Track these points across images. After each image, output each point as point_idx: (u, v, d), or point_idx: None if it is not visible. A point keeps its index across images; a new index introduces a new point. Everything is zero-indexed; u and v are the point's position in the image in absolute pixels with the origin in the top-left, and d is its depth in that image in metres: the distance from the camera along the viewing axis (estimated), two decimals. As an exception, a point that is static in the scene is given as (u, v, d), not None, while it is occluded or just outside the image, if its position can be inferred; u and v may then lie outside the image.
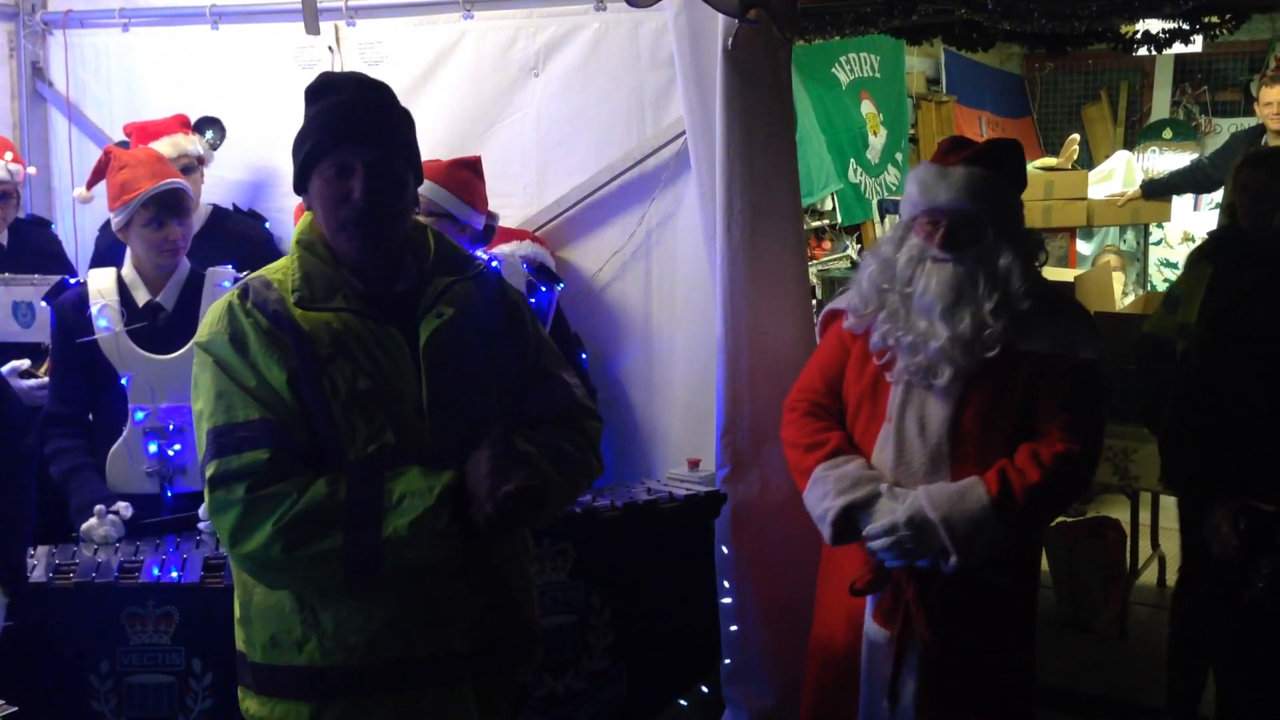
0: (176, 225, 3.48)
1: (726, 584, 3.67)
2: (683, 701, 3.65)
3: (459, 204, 3.69)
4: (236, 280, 3.59)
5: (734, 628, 3.68)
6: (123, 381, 3.43)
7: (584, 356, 4.11)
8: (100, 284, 3.51)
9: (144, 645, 2.92)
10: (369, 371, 2.11)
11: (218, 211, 4.39)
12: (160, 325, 3.47)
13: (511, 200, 4.27)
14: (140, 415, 3.43)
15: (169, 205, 3.46)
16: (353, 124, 2.14)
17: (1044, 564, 5.09)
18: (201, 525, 3.28)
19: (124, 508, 3.23)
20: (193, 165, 4.25)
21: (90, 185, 3.89)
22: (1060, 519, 5.50)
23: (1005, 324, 2.74)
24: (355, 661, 2.11)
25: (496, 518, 2.04)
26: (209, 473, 2.06)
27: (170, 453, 3.43)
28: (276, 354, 2.09)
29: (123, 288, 3.50)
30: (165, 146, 4.17)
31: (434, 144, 4.32)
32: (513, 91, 4.25)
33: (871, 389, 2.88)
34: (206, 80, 4.66)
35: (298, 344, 2.10)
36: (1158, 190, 7.40)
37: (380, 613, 2.10)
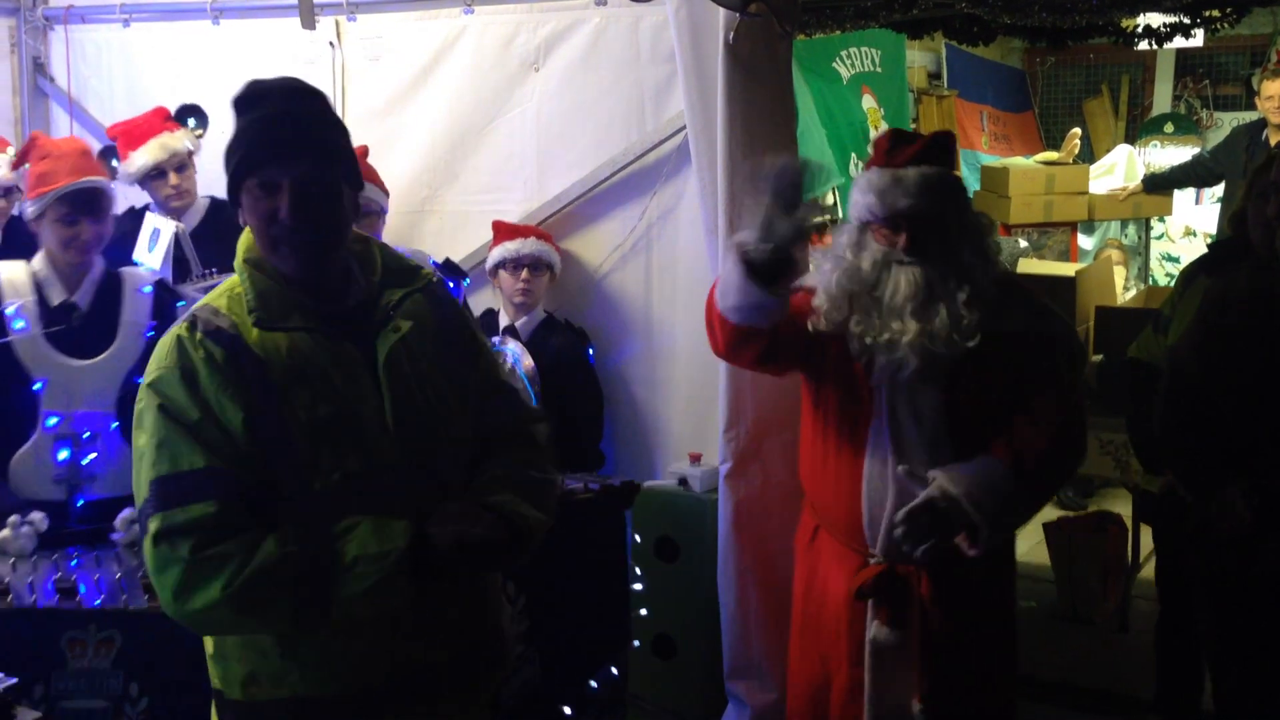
0: (89, 224, 3.36)
1: (726, 579, 3.67)
2: (593, 683, 3.68)
3: (382, 195, 3.79)
4: (157, 286, 3.54)
5: (736, 623, 3.68)
6: (36, 386, 3.32)
7: (591, 352, 4.12)
8: (12, 276, 3.38)
9: (82, 670, 2.83)
10: (328, 396, 2.04)
11: (215, 203, 4.38)
12: (76, 325, 3.36)
13: (512, 195, 4.28)
14: (53, 421, 3.31)
15: (84, 203, 3.34)
16: (278, 138, 2.05)
17: (1045, 557, 5.11)
18: (115, 537, 3.23)
19: (39, 519, 3.14)
20: (185, 162, 4.19)
21: (15, 166, 3.78)
22: (1061, 513, 5.51)
23: (980, 313, 2.74)
24: (340, 689, 2.06)
25: (457, 565, 2.03)
26: (152, 527, 1.95)
27: (84, 461, 3.34)
28: (231, 389, 1.99)
29: (36, 285, 3.38)
30: (154, 150, 4.13)
31: (435, 138, 4.34)
32: (513, 86, 4.26)
33: (849, 387, 2.84)
34: (207, 76, 4.67)
35: (255, 373, 2.01)
36: (1159, 185, 7.39)
37: (359, 638, 2.05)
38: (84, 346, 3.36)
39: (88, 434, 3.35)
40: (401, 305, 2.16)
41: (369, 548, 1.96)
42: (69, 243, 3.35)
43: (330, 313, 2.10)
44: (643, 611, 3.90)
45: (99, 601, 2.87)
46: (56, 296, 3.38)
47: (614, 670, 3.75)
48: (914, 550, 2.69)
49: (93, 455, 3.35)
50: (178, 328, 2.06)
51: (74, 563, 3.07)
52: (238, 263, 2.13)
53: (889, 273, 2.76)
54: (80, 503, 3.37)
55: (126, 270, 3.54)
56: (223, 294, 2.12)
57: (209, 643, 2.13)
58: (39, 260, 3.42)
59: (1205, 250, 4.07)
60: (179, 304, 3.81)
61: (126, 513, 3.27)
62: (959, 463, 2.74)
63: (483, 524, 2.04)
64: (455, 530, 2.01)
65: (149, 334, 3.46)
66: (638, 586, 3.85)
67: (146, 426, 2.00)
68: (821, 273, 2.87)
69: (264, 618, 1.98)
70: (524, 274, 4.03)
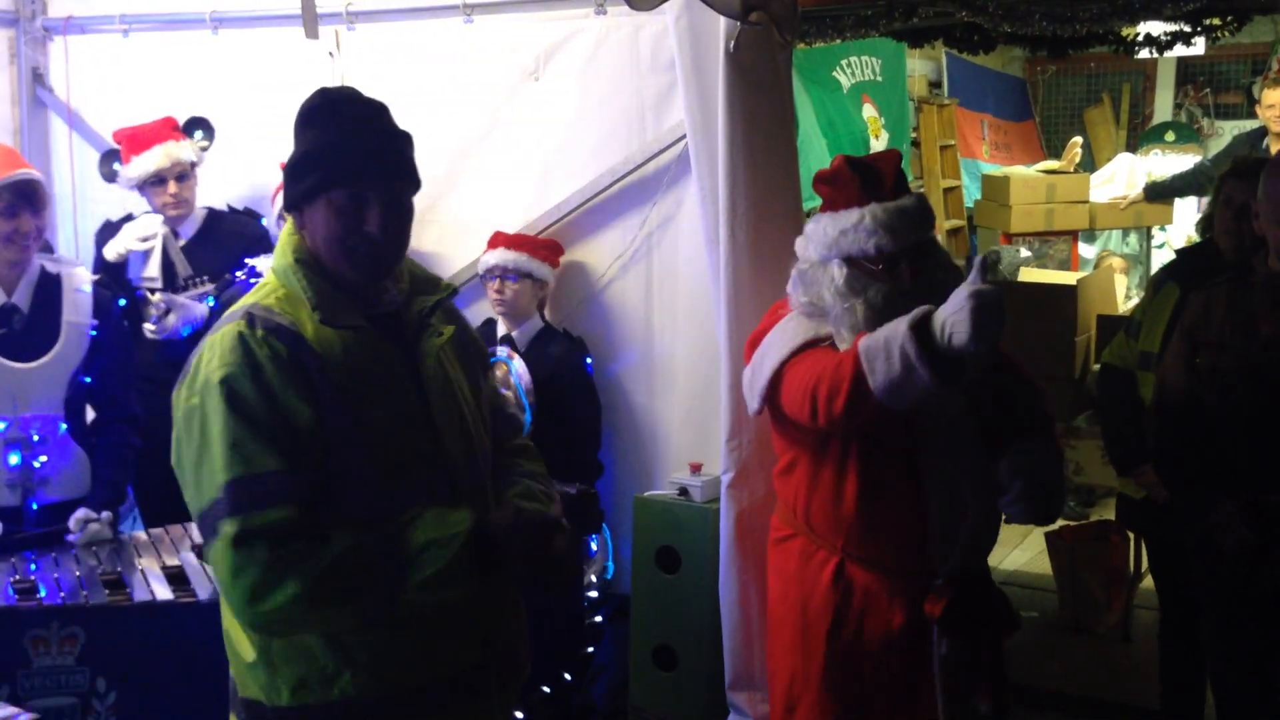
0: (30, 217, 3.32)
1: (728, 589, 3.66)
2: (546, 689, 3.68)
3: None
4: (95, 285, 3.52)
5: (737, 634, 3.67)
6: None
7: (589, 361, 4.11)
8: None
9: (47, 668, 2.83)
10: (380, 395, 2.09)
11: (212, 213, 4.39)
12: (17, 328, 3.35)
13: (512, 204, 4.27)
14: (1, 426, 3.31)
15: (23, 195, 3.30)
16: (370, 154, 2.10)
17: (1047, 567, 5.10)
18: (70, 538, 3.23)
19: None
20: (187, 172, 4.24)
21: None
22: (1063, 522, 5.50)
23: None
24: (389, 689, 2.08)
25: (516, 546, 2.09)
26: (228, 530, 1.94)
27: (36, 464, 3.34)
28: (297, 387, 2.00)
29: None
30: (158, 156, 4.17)
31: (435, 148, 4.32)
32: (513, 95, 4.25)
33: (884, 425, 2.77)
34: (206, 85, 4.67)
35: (318, 370, 2.03)
36: (1160, 193, 7.39)
37: (409, 637, 2.07)
38: (26, 349, 3.35)
39: (37, 436, 3.35)
40: (435, 311, 2.23)
41: (435, 533, 2.01)
42: (10, 237, 3.32)
43: (375, 315, 2.15)
44: (598, 619, 3.96)
45: (59, 600, 2.87)
46: None
47: (567, 675, 3.76)
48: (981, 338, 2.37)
49: (43, 458, 3.35)
50: (236, 325, 2.05)
51: (33, 567, 3.07)
52: (286, 263, 2.13)
53: (896, 309, 2.63)
54: (35, 507, 3.36)
55: (64, 270, 3.53)
56: (267, 295, 2.12)
57: (249, 652, 2.11)
58: None
59: (1175, 254, 4.06)
60: (121, 302, 3.81)
61: (81, 512, 3.29)
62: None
63: (533, 508, 2.17)
64: (510, 511, 2.13)
65: (92, 333, 3.46)
66: (592, 594, 3.93)
67: (214, 424, 1.98)
68: (836, 318, 2.78)
69: (339, 611, 1.99)
70: (495, 284, 4.02)
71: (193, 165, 4.27)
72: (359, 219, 2.09)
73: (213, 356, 2.02)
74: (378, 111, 2.16)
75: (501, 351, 4.03)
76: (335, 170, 2.09)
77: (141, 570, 3.11)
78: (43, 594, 2.91)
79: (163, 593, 2.98)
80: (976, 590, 2.84)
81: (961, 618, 2.79)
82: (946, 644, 2.80)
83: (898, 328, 2.47)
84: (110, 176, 4.36)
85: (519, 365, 4.00)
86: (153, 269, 4.20)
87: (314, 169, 2.10)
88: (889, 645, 2.84)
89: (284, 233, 2.19)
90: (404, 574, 1.98)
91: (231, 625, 2.14)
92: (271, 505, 1.95)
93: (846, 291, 2.75)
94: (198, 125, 4.37)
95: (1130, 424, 3.76)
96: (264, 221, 4.47)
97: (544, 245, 4.10)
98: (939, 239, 2.96)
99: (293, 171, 2.13)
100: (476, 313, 4.31)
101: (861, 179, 2.78)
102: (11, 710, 2.30)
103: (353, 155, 2.09)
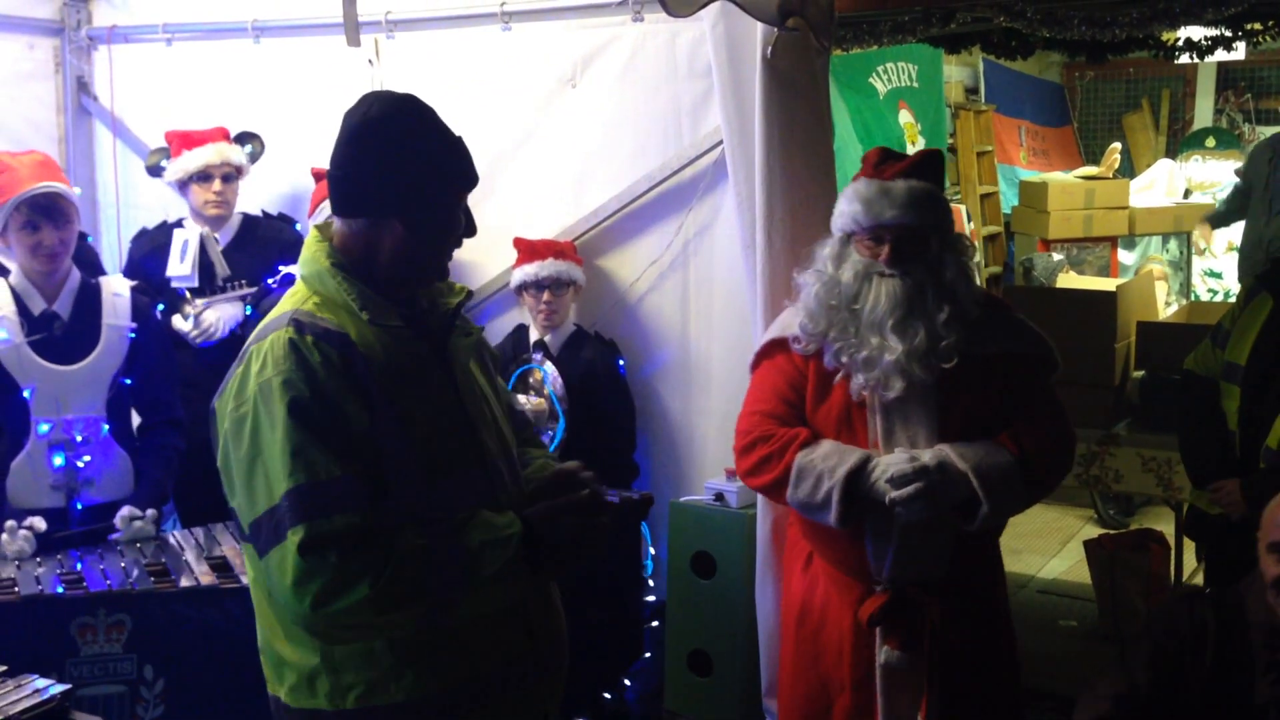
0: (51, 230, 3.35)
1: (764, 595, 3.65)
2: (607, 694, 3.67)
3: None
4: (133, 290, 3.58)
5: (774, 640, 3.66)
6: (25, 394, 3.37)
7: (622, 363, 4.12)
8: None
9: (95, 656, 2.87)
10: (421, 394, 2.11)
11: (248, 219, 4.44)
12: (58, 334, 3.41)
13: (549, 211, 4.28)
14: (45, 428, 3.37)
15: (44, 209, 3.33)
16: (469, 164, 2.23)
17: (1086, 576, 5.05)
18: (114, 537, 3.27)
19: (37, 521, 3.19)
20: (232, 174, 4.32)
21: None
22: (1103, 531, 5.45)
23: (959, 334, 2.75)
24: (450, 683, 2.11)
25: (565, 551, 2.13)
26: (296, 537, 1.93)
27: (79, 464, 3.39)
28: (353, 391, 2.02)
29: (16, 297, 3.42)
30: (210, 153, 4.25)
31: (473, 155, 4.34)
32: (550, 102, 4.27)
33: (846, 418, 2.83)
34: (248, 93, 4.72)
35: (366, 373, 2.05)
36: (1220, 221, 7.36)
37: (464, 632, 2.10)
38: (68, 353, 3.41)
39: (80, 437, 3.40)
40: (459, 313, 2.26)
41: (490, 534, 2.03)
42: (34, 250, 3.37)
43: (412, 316, 2.18)
44: (654, 624, 3.95)
45: (105, 587, 2.91)
46: (37, 307, 3.43)
47: (627, 682, 3.75)
48: (908, 514, 2.68)
49: (87, 458, 3.40)
50: (285, 331, 2.04)
51: (79, 565, 3.12)
52: (321, 269, 2.13)
53: (869, 285, 2.77)
54: (79, 507, 3.41)
55: (103, 279, 3.60)
56: (304, 301, 2.12)
57: (310, 659, 2.09)
58: (16, 274, 3.46)
59: (1269, 263, 3.93)
60: (159, 305, 3.86)
61: (126, 510, 3.33)
62: (964, 442, 2.74)
63: (579, 510, 2.16)
64: (545, 505, 2.14)
65: (131, 335, 3.52)
66: (650, 599, 3.92)
67: (271, 431, 1.98)
68: (804, 288, 2.88)
69: (404, 613, 1.99)
70: (545, 295, 4.03)
71: (240, 170, 4.33)
72: (459, 222, 2.19)
73: (264, 364, 2.02)
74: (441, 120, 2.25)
75: (545, 364, 4.05)
76: (463, 177, 2.20)
77: (186, 560, 3.15)
78: (89, 582, 2.95)
79: (207, 578, 3.02)
80: (923, 601, 2.79)
81: (896, 626, 2.79)
82: (885, 651, 2.82)
83: (836, 470, 2.70)
84: (156, 171, 4.41)
85: (551, 370, 4.01)
86: (186, 267, 4.25)
87: (441, 173, 2.17)
88: (842, 646, 2.87)
89: (311, 239, 2.19)
90: (465, 575, 2.00)
91: (281, 642, 2.12)
92: (339, 512, 1.95)
93: (825, 261, 2.84)
94: (249, 139, 4.43)
95: (1210, 436, 3.60)
96: (298, 227, 4.51)
97: (570, 248, 4.12)
98: (971, 242, 2.94)
99: (396, 178, 2.11)
100: (508, 320, 4.33)
101: (878, 159, 2.84)
102: (45, 682, 2.34)
103: (468, 165, 2.21)
